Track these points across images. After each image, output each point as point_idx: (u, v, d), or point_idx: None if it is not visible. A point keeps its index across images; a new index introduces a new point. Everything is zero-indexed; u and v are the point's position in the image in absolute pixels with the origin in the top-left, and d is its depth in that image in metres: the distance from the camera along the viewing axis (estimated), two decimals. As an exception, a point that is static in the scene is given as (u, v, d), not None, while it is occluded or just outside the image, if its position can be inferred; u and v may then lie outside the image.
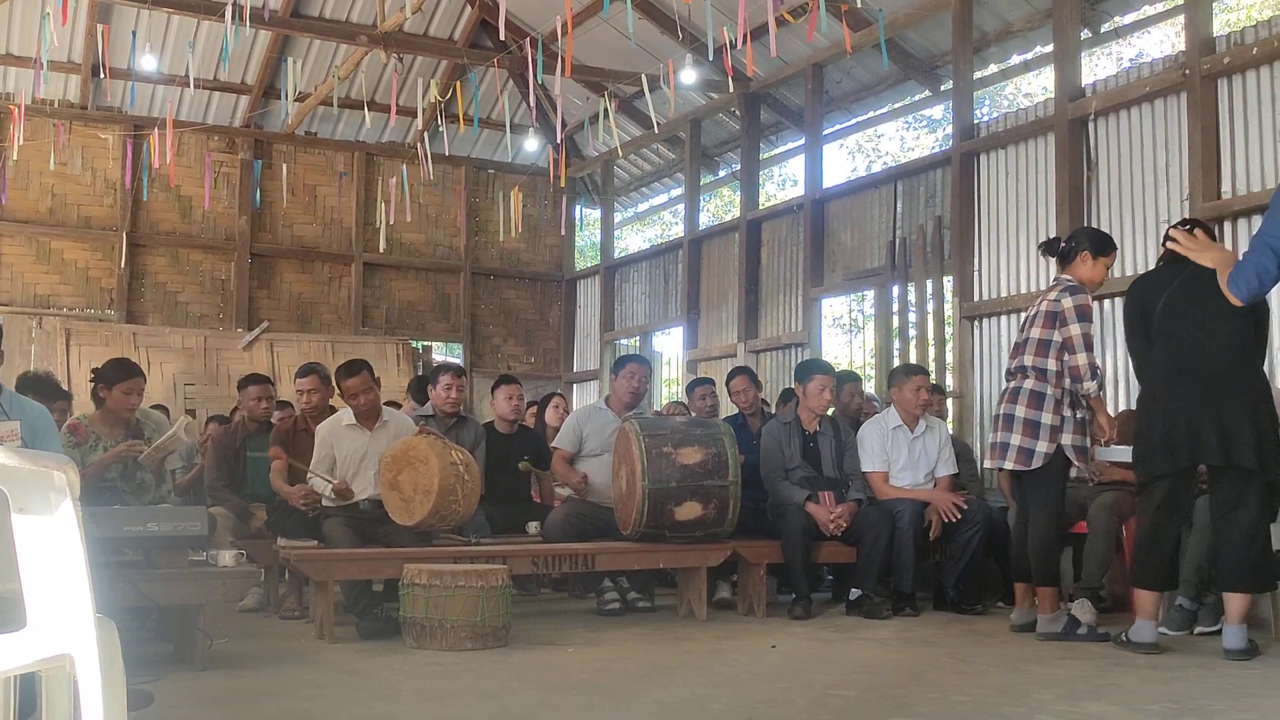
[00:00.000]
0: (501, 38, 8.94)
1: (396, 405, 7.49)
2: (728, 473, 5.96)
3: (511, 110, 11.95)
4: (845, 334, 14.74)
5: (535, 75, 8.60)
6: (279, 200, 12.12)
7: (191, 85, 10.15)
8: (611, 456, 6.37)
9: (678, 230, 13.32)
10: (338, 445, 5.99)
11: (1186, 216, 6.18)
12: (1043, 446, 5.17)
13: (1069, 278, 5.25)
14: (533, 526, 6.49)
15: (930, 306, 8.78)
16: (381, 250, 12.32)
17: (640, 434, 5.88)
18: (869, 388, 8.65)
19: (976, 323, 8.23)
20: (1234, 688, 4.00)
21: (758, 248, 10.72)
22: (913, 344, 8.87)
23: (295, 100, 10.89)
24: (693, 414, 7.40)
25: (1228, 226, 6.57)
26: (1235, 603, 4.65)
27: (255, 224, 12.26)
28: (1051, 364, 5.18)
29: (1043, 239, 7.61)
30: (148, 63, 11.09)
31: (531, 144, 12.84)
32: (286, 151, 12.45)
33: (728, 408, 8.05)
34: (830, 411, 6.78)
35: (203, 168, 11.42)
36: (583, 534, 6.17)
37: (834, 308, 13.26)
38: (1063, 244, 5.37)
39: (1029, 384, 5.23)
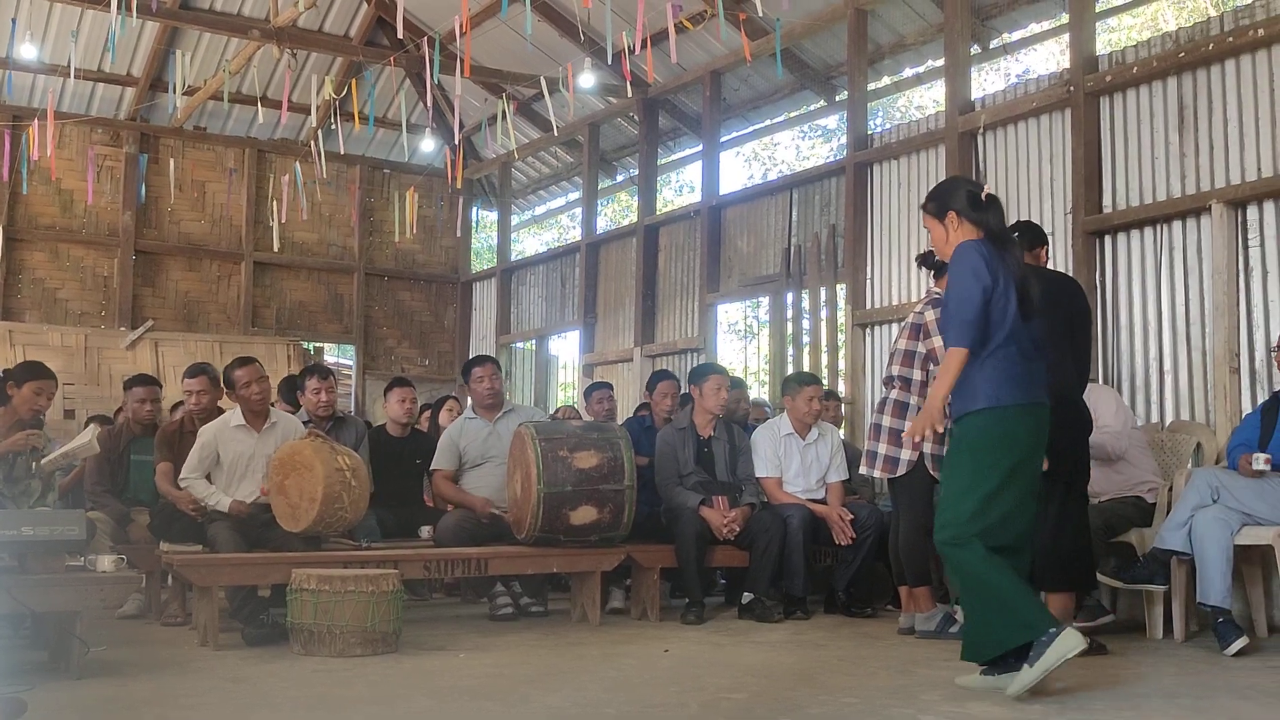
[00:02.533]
0: (399, 36, 8.83)
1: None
2: (624, 477, 5.96)
3: (408, 110, 11.79)
4: (740, 340, 14.86)
5: (432, 75, 8.51)
6: (166, 196, 11.81)
7: (73, 76, 9.84)
8: (495, 462, 6.39)
9: (575, 234, 13.31)
10: (224, 447, 5.85)
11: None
12: (906, 454, 5.47)
13: (939, 291, 5.37)
14: (425, 530, 6.42)
15: (824, 313, 8.90)
16: (273, 249, 12.09)
17: (536, 438, 5.85)
18: (764, 394, 8.74)
19: (868, 330, 8.37)
20: (1114, 688, 4.11)
21: (655, 253, 10.75)
22: (806, 350, 8.98)
23: (184, 94, 10.61)
24: (588, 418, 7.39)
25: (1108, 240, 6.77)
26: (1054, 603, 4.80)
27: (140, 220, 11.93)
28: (916, 374, 5.47)
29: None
30: (27, 51, 10.72)
31: (428, 144, 12.71)
32: (174, 146, 12.14)
33: (625, 412, 8.07)
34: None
35: (85, 161, 11.07)
36: (476, 538, 6.12)
37: (729, 314, 13.37)
38: (936, 257, 5.47)
39: (894, 394, 5.54)
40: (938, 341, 5.25)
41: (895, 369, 5.57)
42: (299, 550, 5.47)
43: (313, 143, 10.47)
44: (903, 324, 5.69)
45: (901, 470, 5.53)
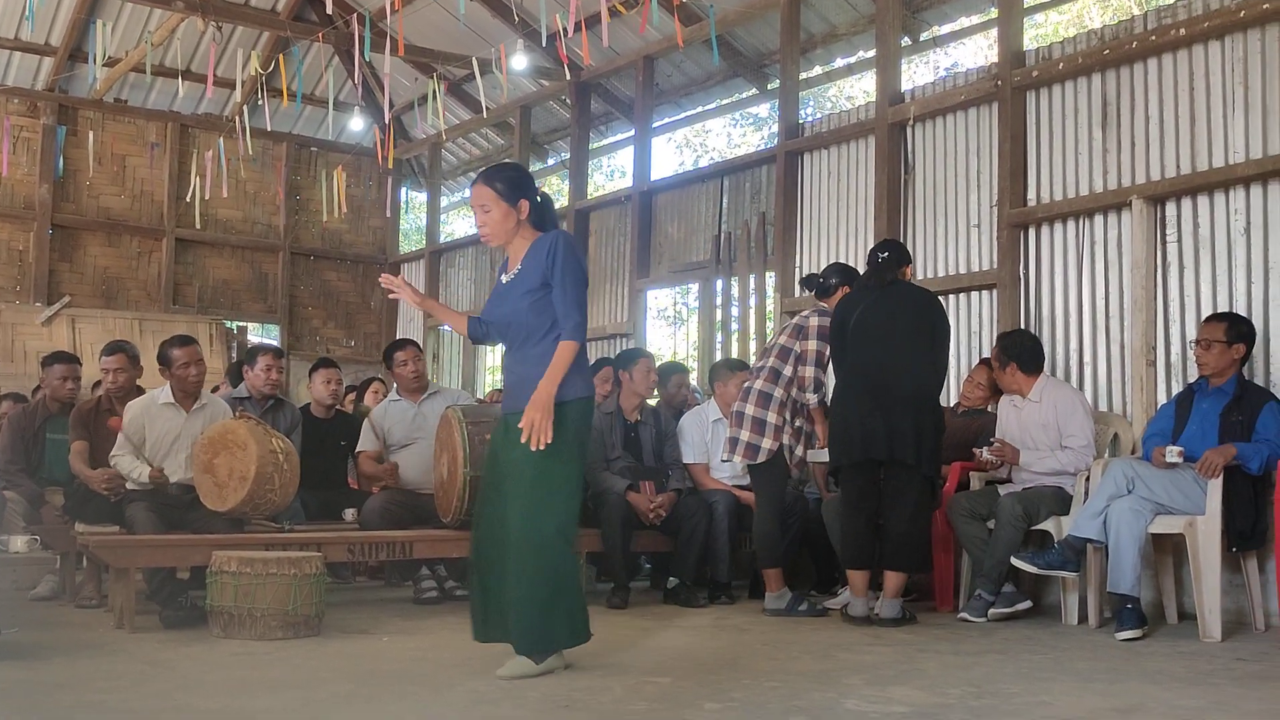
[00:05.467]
0: (328, 11, 8.69)
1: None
2: (550, 461, 5.95)
3: (336, 87, 11.64)
4: (669, 326, 14.90)
5: (362, 53, 8.40)
6: (84, 169, 11.50)
7: (-11, 44, 9.56)
8: (421, 444, 6.38)
9: (505, 217, 13.22)
10: (150, 425, 5.75)
11: (886, 238, 6.96)
12: (767, 443, 5.81)
13: (825, 307, 5.96)
14: (349, 513, 6.36)
15: (753, 301, 8.94)
16: (196, 226, 11.86)
17: (463, 421, 5.82)
18: (693, 380, 8.76)
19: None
20: (1029, 672, 4.20)
21: (585, 237, 10.72)
22: (735, 337, 9.03)
23: (104, 65, 10.34)
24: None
25: (1032, 231, 6.89)
26: (893, 580, 5.42)
27: (58, 193, 11.62)
28: (787, 370, 5.90)
29: (861, 238, 7.90)
30: (-59, 17, 10.40)
31: (357, 123, 12.54)
32: (94, 118, 11.84)
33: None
34: (654, 400, 6.87)
35: (0, 132, 10.77)
36: (400, 521, 6.08)
37: (659, 299, 13.41)
38: (820, 279, 6.11)
39: (759, 384, 5.91)
40: (812, 345, 5.84)
41: (769, 361, 5.97)
42: (220, 532, 5.39)
43: (237, 118, 10.28)
44: (784, 325, 6.27)
45: (761, 458, 5.83)
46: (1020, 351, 5.97)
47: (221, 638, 4.79)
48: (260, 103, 10.74)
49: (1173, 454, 5.14)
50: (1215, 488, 5.07)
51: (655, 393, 6.98)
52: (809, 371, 5.86)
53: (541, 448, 3.91)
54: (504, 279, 4.25)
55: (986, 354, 6.83)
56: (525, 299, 4.10)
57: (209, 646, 4.62)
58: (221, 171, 10.83)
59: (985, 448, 5.81)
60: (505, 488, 4.05)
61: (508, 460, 4.05)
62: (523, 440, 3.91)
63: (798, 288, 8.39)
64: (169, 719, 3.36)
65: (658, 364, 7.20)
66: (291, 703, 3.57)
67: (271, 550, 5.11)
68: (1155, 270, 6.24)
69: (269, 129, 11.09)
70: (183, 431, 5.76)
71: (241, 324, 12.52)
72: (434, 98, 9.11)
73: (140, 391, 6.16)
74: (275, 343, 12.21)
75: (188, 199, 11.56)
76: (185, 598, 5.22)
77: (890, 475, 5.45)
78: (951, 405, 6.66)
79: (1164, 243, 6.25)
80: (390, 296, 4.42)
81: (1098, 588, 5.41)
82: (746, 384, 6.03)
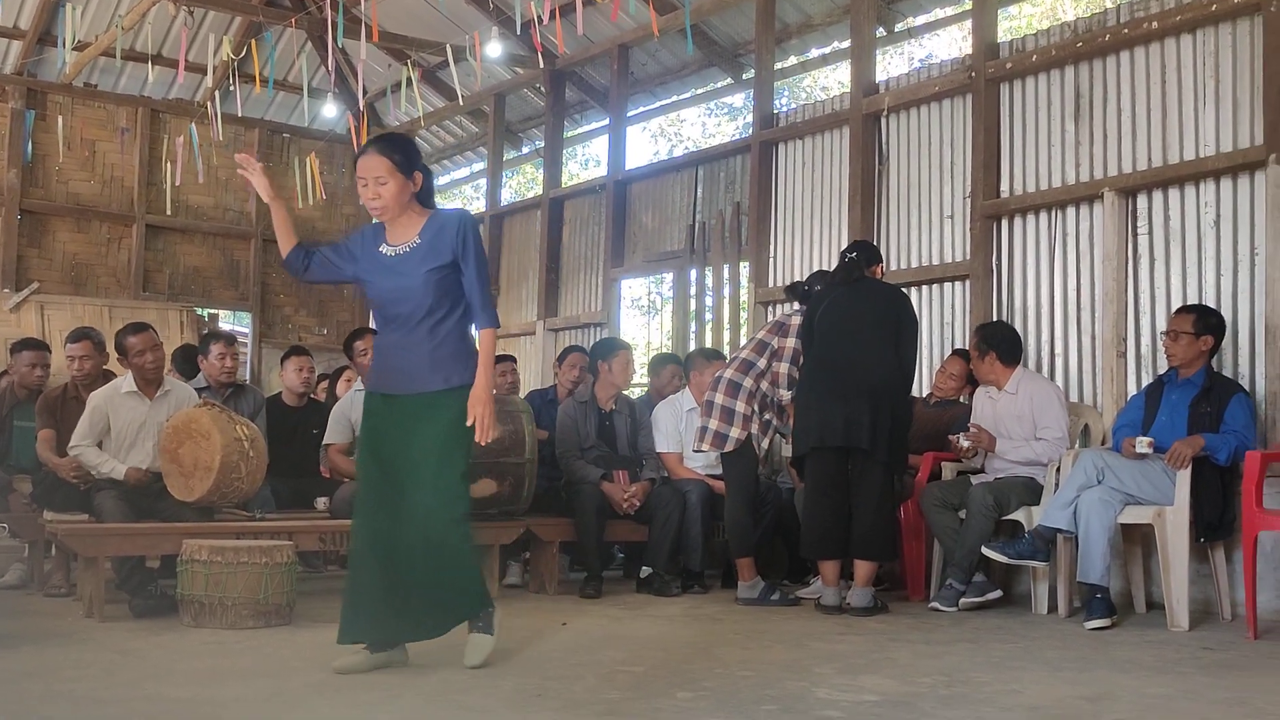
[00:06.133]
0: (301, -3, 8.62)
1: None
2: (524, 450, 5.96)
3: (309, 73, 11.53)
4: (644, 315, 14.88)
5: (336, 39, 8.33)
6: (54, 154, 11.34)
7: (-44, 27, 9.43)
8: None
9: (479, 205, 13.16)
10: (114, 414, 5.68)
11: (851, 240, 6.97)
12: (735, 432, 5.85)
13: (803, 308, 5.96)
14: (321, 502, 6.34)
15: (726, 291, 8.95)
16: (166, 212, 11.75)
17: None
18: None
19: (771, 308, 8.43)
20: (999, 661, 4.23)
21: (559, 226, 10.70)
22: (709, 327, 9.03)
23: (74, 49, 10.23)
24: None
25: (1005, 223, 6.91)
26: (863, 569, 5.47)
27: (26, 178, 11.46)
28: (760, 362, 5.93)
29: (835, 228, 7.91)
30: (-93, -2, 10.26)
31: (330, 110, 12.45)
32: (63, 103, 11.68)
33: (529, 386, 8.03)
34: (643, 390, 6.89)
35: (-31, 116, 10.64)
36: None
37: (633, 289, 13.35)
38: (805, 286, 6.10)
39: (729, 373, 5.95)
40: (790, 342, 5.85)
41: (744, 352, 6.03)
42: (190, 521, 5.36)
43: (209, 104, 10.18)
44: (770, 322, 6.33)
45: (730, 447, 5.86)
46: (1000, 341, 6.01)
47: (192, 627, 4.77)
48: (232, 88, 10.63)
49: (1142, 445, 5.18)
50: (1184, 478, 5.11)
51: (633, 383, 6.98)
52: (783, 368, 5.90)
53: (490, 440, 3.91)
54: (388, 251, 3.96)
55: (960, 345, 6.87)
56: (428, 276, 3.89)
57: (179, 635, 4.60)
58: (193, 157, 10.73)
59: (961, 434, 5.84)
60: (407, 475, 3.89)
61: (407, 446, 3.90)
62: (479, 438, 3.87)
63: (772, 277, 8.40)
64: (140, 708, 3.33)
65: (652, 355, 7.22)
66: (263, 692, 3.55)
67: (242, 539, 5.09)
68: (1126, 262, 6.28)
69: (240, 115, 11.01)
70: (148, 419, 5.71)
71: (213, 311, 12.41)
72: (408, 85, 9.05)
73: (109, 377, 6.10)
74: (229, 329, 12.09)
75: (159, 185, 11.45)
76: (155, 586, 5.18)
77: (855, 465, 5.50)
78: (924, 396, 6.69)
79: (1135, 235, 6.29)
80: (239, 172, 4.20)
81: (1067, 577, 5.45)
82: (718, 373, 6.05)
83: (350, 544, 4.11)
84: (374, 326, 4.52)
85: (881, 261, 6.00)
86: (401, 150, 3.96)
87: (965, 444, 5.83)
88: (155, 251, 12.13)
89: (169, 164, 10.88)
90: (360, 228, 4.09)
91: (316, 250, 4.13)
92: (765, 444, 6.07)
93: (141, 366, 5.72)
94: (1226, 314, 5.67)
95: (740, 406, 5.86)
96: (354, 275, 4.05)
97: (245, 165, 4.17)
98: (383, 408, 3.97)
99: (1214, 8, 5.94)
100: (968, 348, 6.36)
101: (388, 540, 3.88)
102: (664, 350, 9.08)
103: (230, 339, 6.80)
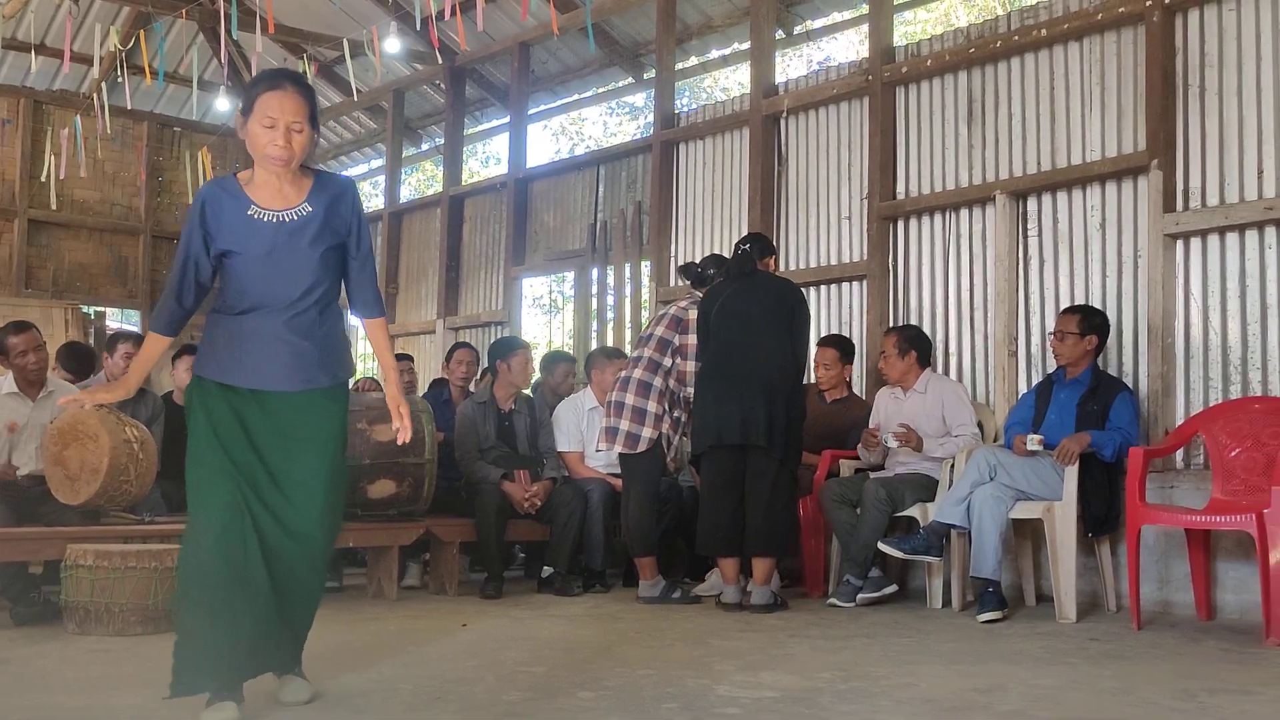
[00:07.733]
0: (193, -13, 8.42)
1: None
2: (424, 450, 5.89)
3: (201, 66, 11.28)
4: (545, 314, 14.84)
5: (229, 31, 8.15)
6: (-70, 146, 10.96)
7: None
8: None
9: (377, 202, 12.98)
10: (-5, 415, 5.49)
11: (752, 232, 6.95)
12: (647, 432, 5.89)
13: (700, 296, 5.94)
14: (214, 504, 6.17)
15: (628, 289, 8.96)
16: (51, 207, 11.38)
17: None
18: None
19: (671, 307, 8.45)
20: (895, 655, 4.30)
21: (460, 224, 10.61)
22: (610, 326, 9.03)
23: (-48, 37, 9.87)
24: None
25: (900, 224, 7.03)
26: (760, 566, 5.48)
27: (-99, 171, 11.05)
28: (666, 361, 5.94)
29: (735, 228, 7.96)
30: None
31: (223, 104, 12.16)
32: (-60, 93, 11.28)
33: (426, 385, 7.94)
34: (530, 390, 6.85)
35: None
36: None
37: (534, 287, 13.31)
38: (698, 269, 6.14)
39: (638, 373, 5.95)
40: (692, 339, 5.86)
41: (648, 351, 5.99)
42: (75, 525, 5.19)
43: (96, 96, 9.89)
44: (660, 314, 6.22)
45: (642, 447, 5.88)
46: (922, 343, 6.14)
47: (77, 634, 4.62)
48: (120, 80, 10.34)
49: (1033, 442, 5.32)
50: (1072, 475, 5.26)
51: (532, 381, 6.95)
52: (689, 366, 5.90)
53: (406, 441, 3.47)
54: (262, 215, 3.29)
55: (856, 344, 6.95)
56: (314, 249, 3.32)
57: (64, 644, 4.45)
58: (78, 150, 10.41)
59: (891, 433, 5.85)
60: (288, 491, 3.28)
61: (287, 457, 3.30)
62: (402, 438, 3.42)
63: (673, 276, 8.43)
64: (29, 717, 3.22)
65: (546, 351, 7.18)
66: (152, 700, 3.44)
67: (130, 543, 4.95)
68: (1017, 263, 6.43)
69: (129, 108, 10.71)
70: (30, 421, 5.52)
71: (100, 309, 12.05)
72: (304, 79, 8.89)
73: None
74: (136, 329, 11.78)
75: (42, 178, 11.07)
76: (38, 593, 5.02)
77: (749, 461, 5.51)
78: (819, 391, 6.68)
79: (1025, 236, 6.44)
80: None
81: (961, 572, 5.56)
82: (624, 374, 6.04)
83: (186, 562, 3.27)
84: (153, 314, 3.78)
85: (775, 253, 6.06)
86: (314, 98, 3.36)
87: (895, 444, 5.86)
88: (39, 247, 11.73)
89: (53, 157, 10.53)
90: (199, 197, 3.35)
91: (184, 297, 3.49)
92: (677, 441, 6.08)
93: (24, 367, 5.53)
94: (1111, 314, 5.83)
95: (652, 406, 5.88)
96: (214, 261, 3.38)
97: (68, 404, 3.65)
98: (249, 405, 3.32)
99: (1099, 17, 6.11)
100: (883, 345, 6.27)
101: (244, 560, 3.20)
102: (564, 349, 9.06)
103: (139, 339, 6.60)
